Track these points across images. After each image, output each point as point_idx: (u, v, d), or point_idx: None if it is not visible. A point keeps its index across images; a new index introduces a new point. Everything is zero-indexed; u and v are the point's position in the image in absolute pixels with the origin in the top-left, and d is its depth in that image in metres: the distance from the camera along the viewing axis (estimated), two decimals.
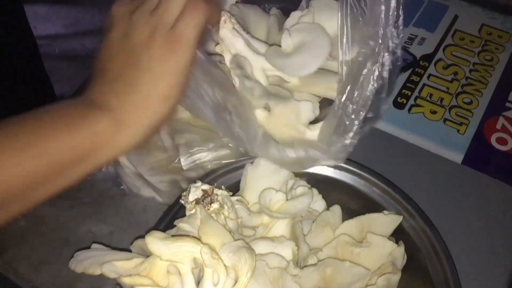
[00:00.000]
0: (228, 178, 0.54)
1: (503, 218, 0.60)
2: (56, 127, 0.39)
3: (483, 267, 0.57)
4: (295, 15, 0.52)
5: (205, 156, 0.56)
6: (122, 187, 0.62)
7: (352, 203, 0.54)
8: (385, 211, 0.51)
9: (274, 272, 0.43)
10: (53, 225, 0.60)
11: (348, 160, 0.53)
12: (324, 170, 0.54)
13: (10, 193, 0.38)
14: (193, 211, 0.45)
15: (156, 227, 0.50)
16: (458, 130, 0.68)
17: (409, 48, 0.78)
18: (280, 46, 0.50)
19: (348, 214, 0.52)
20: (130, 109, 0.41)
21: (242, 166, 0.53)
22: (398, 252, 0.49)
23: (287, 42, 0.49)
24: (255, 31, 0.55)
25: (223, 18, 0.48)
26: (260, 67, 0.50)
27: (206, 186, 0.47)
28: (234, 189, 0.52)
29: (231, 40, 0.49)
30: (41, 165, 0.38)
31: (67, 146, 0.39)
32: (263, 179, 0.52)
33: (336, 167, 0.54)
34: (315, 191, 0.53)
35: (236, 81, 0.48)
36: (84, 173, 0.41)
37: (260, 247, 0.45)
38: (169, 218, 0.51)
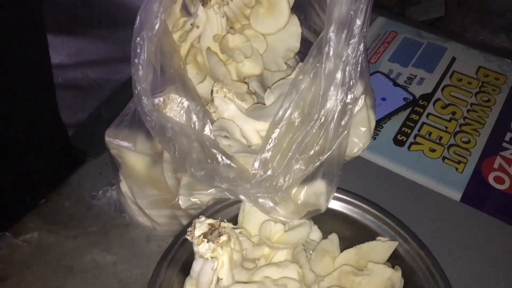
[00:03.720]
0: (225, 212, 0.55)
1: (500, 255, 0.61)
2: None
3: None
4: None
5: (204, 199, 0.57)
6: (123, 214, 0.63)
7: (346, 231, 0.55)
8: (379, 237, 0.52)
9: None
10: (57, 253, 0.61)
11: (340, 189, 0.55)
12: None
13: None
14: (201, 245, 0.46)
15: (161, 262, 0.51)
16: (456, 169, 0.70)
17: (408, 87, 0.80)
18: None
19: (343, 241, 0.54)
20: None
21: (239, 201, 0.55)
22: (396, 277, 0.51)
23: (270, 99, 0.52)
24: None
25: (215, 89, 0.51)
26: (253, 129, 0.52)
27: (211, 220, 0.48)
28: (233, 223, 0.53)
29: (224, 107, 0.52)
30: None
31: None
32: (261, 212, 0.53)
33: None
34: (311, 221, 0.54)
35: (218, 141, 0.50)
36: None
37: (267, 272, 0.46)
38: (173, 252, 0.52)
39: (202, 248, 0.44)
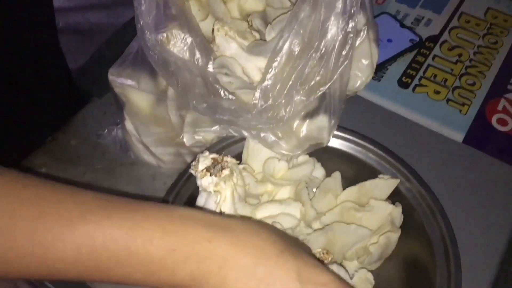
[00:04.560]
0: (230, 150, 0.56)
1: (500, 195, 0.62)
2: None
3: (479, 230, 0.59)
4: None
5: (208, 137, 0.58)
6: (129, 153, 0.64)
7: (349, 169, 0.57)
8: (381, 175, 0.53)
9: (287, 232, 0.45)
10: None
11: (343, 128, 0.55)
12: None
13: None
14: (204, 179, 0.47)
15: (166, 197, 0.52)
16: (460, 111, 0.70)
17: (415, 29, 0.79)
18: None
19: (346, 179, 0.55)
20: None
21: (244, 138, 0.55)
22: (396, 212, 0.52)
23: (271, 34, 0.51)
24: None
25: (216, 27, 0.51)
26: (255, 66, 0.52)
27: (214, 155, 0.49)
28: (237, 160, 0.55)
29: (225, 46, 0.51)
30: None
31: None
32: (265, 149, 0.54)
33: (332, 135, 0.56)
34: (314, 159, 0.55)
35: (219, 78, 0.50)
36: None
37: (270, 210, 0.47)
38: (178, 188, 0.53)
39: (205, 181, 0.45)
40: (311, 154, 0.55)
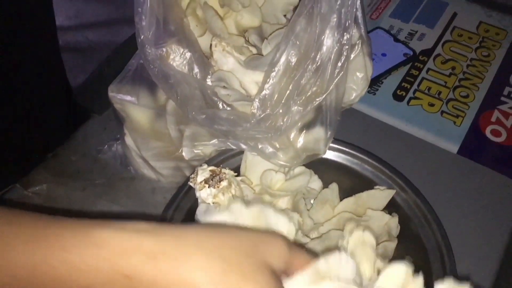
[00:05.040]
0: (228, 163, 0.57)
1: (494, 202, 0.63)
2: None
3: (475, 239, 0.60)
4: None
5: (207, 151, 0.59)
6: (129, 167, 0.65)
7: (346, 181, 0.57)
8: (377, 186, 0.54)
9: None
10: (66, 204, 0.63)
11: (340, 141, 0.56)
12: None
13: None
14: (203, 191, 0.48)
15: (166, 210, 0.53)
16: (454, 122, 0.71)
17: (409, 43, 0.81)
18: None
19: (343, 191, 0.56)
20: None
21: (242, 152, 0.56)
22: (393, 222, 0.53)
23: (267, 49, 0.53)
24: None
25: (213, 43, 0.52)
26: (252, 80, 0.53)
27: (213, 167, 0.50)
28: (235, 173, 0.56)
29: (222, 60, 0.53)
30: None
31: None
32: (263, 162, 0.55)
33: (329, 148, 0.57)
34: (311, 171, 0.56)
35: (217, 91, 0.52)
36: None
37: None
38: (177, 201, 0.54)
39: (204, 193, 0.46)
40: (308, 166, 0.56)
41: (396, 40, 0.80)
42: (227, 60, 0.53)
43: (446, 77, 0.76)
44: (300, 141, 0.52)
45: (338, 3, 0.45)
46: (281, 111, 0.46)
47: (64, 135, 0.69)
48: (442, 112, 0.72)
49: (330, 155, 0.57)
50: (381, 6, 0.86)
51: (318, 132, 0.51)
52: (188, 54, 0.49)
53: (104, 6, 0.78)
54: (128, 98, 0.57)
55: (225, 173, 0.47)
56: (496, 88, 0.75)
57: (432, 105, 0.73)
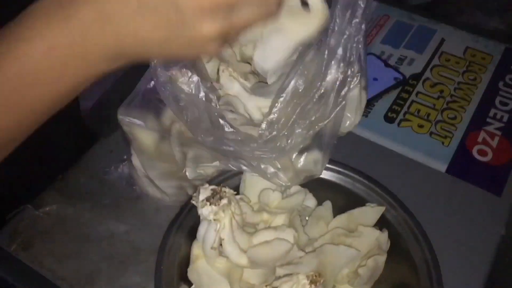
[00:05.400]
0: (229, 183, 0.60)
1: (482, 221, 0.66)
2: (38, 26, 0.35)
3: (462, 255, 0.63)
4: None
5: (208, 171, 0.62)
6: (134, 187, 0.69)
7: (339, 199, 0.61)
8: (368, 204, 0.58)
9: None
10: (75, 223, 0.66)
11: (334, 161, 0.60)
12: None
13: None
14: (204, 208, 0.51)
15: (169, 228, 0.57)
16: (442, 143, 0.75)
17: (399, 67, 0.85)
18: None
19: (336, 208, 0.60)
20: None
21: (241, 172, 0.60)
22: (383, 237, 0.56)
23: (272, 78, 0.57)
24: None
25: (221, 68, 0.56)
26: (255, 105, 0.57)
27: (214, 186, 0.53)
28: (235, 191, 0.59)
29: (228, 85, 0.57)
30: (27, 69, 0.35)
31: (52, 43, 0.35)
32: (261, 181, 0.58)
33: (324, 168, 0.60)
34: (306, 190, 0.60)
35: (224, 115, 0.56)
36: (77, 78, 0.38)
37: (266, 236, 0.52)
38: (180, 219, 0.58)
39: (205, 210, 0.50)
40: (303, 185, 0.60)
41: (387, 65, 0.84)
42: (233, 85, 0.57)
43: (434, 100, 0.80)
44: (301, 162, 0.55)
45: (344, 38, 0.49)
46: (286, 133, 0.50)
47: (73, 158, 0.73)
48: (431, 133, 0.76)
49: (324, 174, 0.61)
50: (373, 33, 0.91)
51: (316, 154, 0.55)
52: (195, 78, 0.52)
53: None
54: (137, 121, 0.61)
55: (225, 191, 0.50)
56: (482, 110, 0.79)
57: (421, 126, 0.77)
